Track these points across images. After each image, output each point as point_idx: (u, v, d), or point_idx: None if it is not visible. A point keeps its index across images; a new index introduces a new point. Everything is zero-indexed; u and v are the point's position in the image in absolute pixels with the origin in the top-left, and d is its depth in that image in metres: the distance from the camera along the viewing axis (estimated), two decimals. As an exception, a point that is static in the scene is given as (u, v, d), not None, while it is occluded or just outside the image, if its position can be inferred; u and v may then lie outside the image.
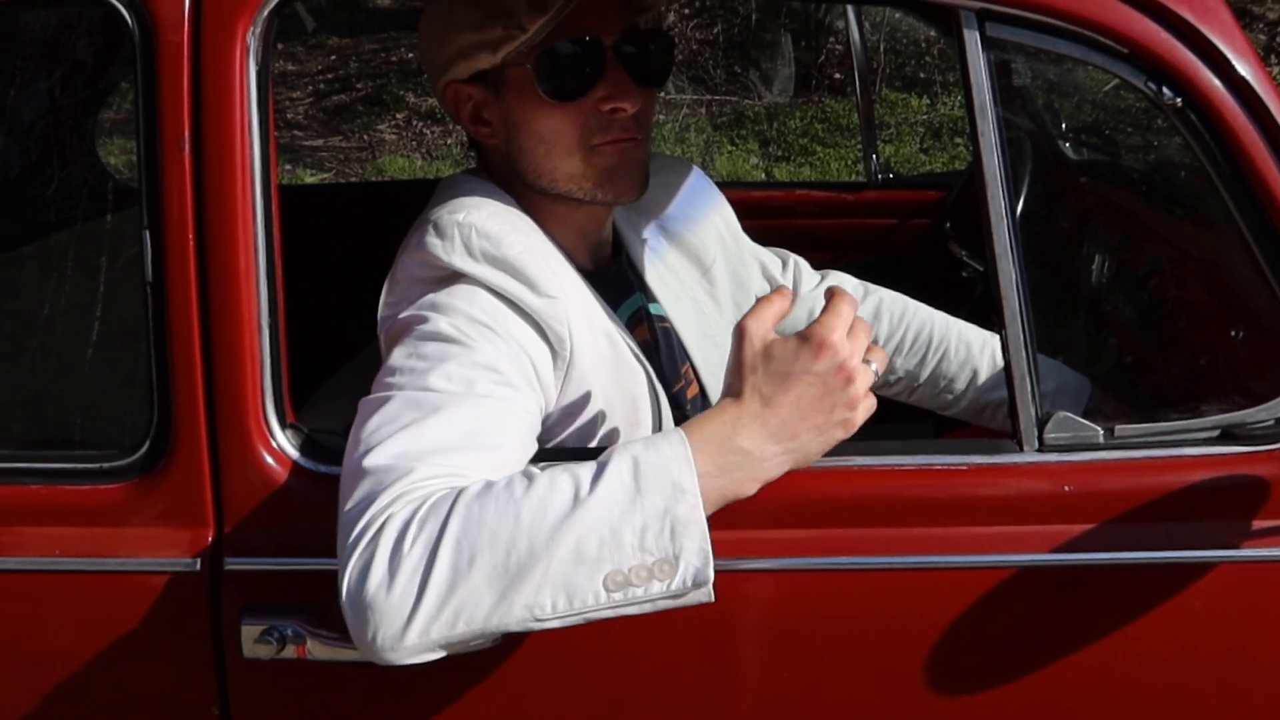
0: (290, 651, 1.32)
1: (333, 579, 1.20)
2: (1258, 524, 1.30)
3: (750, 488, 1.24)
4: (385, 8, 8.77)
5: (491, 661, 1.33)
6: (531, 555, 1.14)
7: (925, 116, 6.75)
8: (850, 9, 2.85)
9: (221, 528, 1.36)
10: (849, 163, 6.30)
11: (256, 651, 1.33)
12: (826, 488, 1.32)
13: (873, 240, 2.74)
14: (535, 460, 1.31)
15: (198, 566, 1.35)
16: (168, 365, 1.35)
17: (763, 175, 6.30)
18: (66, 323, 1.70)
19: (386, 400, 1.26)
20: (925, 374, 1.89)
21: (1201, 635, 1.33)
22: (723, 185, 1.92)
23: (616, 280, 1.58)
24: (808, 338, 1.23)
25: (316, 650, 1.32)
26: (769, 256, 1.92)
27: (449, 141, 7.05)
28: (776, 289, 1.30)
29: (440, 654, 1.17)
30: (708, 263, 1.75)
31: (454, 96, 1.49)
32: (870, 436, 1.33)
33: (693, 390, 1.64)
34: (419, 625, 1.13)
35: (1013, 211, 1.32)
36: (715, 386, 1.66)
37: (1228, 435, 1.33)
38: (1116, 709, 1.35)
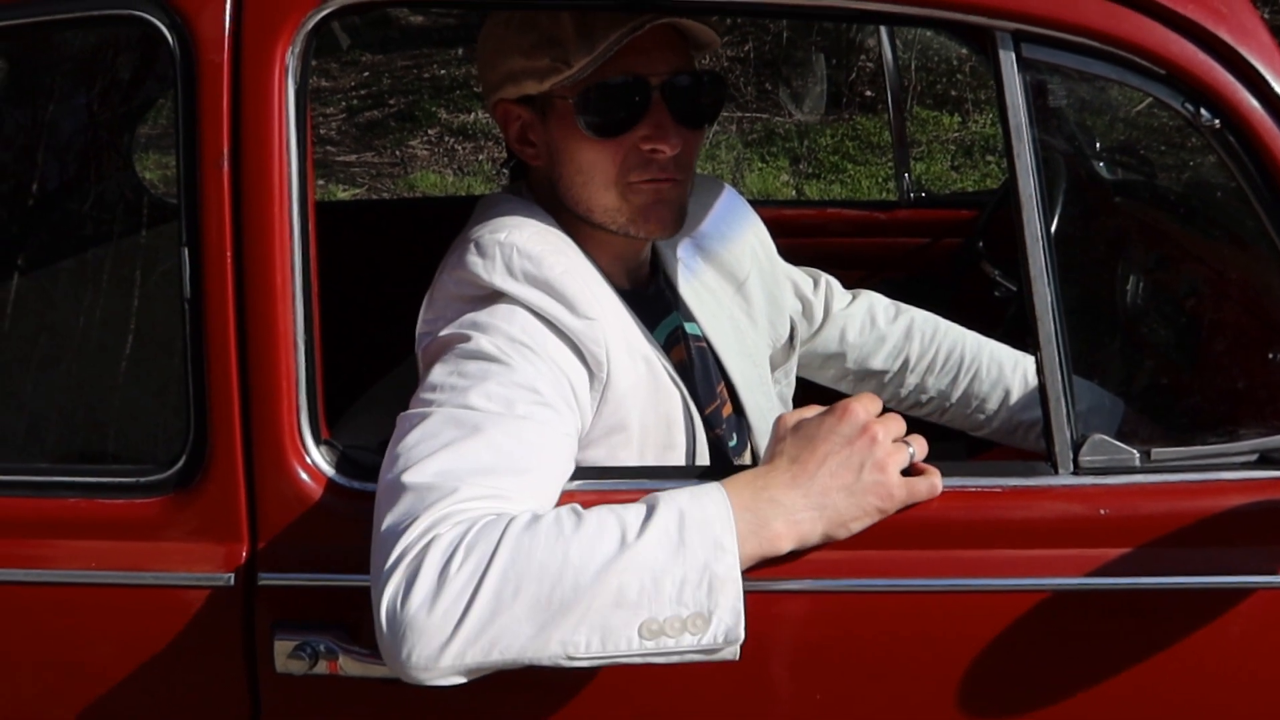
0: (322, 667, 1.33)
1: (366, 595, 1.21)
2: (1297, 550, 1.29)
3: (784, 544, 1.25)
4: (418, 25, 8.83)
5: (521, 679, 1.33)
6: (575, 593, 1.15)
7: (957, 134, 6.73)
8: (883, 28, 2.85)
9: (255, 543, 1.37)
10: (879, 180, 6.29)
11: (289, 667, 1.34)
12: (859, 509, 1.31)
13: (905, 259, 2.73)
14: (571, 479, 1.31)
15: (231, 581, 1.36)
16: (204, 381, 1.36)
17: (793, 193, 6.30)
18: (102, 337, 1.72)
19: (426, 416, 1.26)
20: (957, 394, 1.88)
21: (1238, 662, 1.31)
22: (754, 203, 1.92)
23: (654, 300, 1.59)
24: (833, 407, 1.30)
25: (349, 666, 1.33)
26: (801, 276, 1.93)
27: (480, 158, 7.08)
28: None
29: (468, 679, 1.17)
30: (741, 278, 1.75)
31: (503, 115, 1.51)
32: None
33: (727, 410, 1.64)
34: (455, 649, 1.13)
35: (1048, 232, 1.31)
36: (752, 405, 1.66)
37: (1266, 459, 1.32)
38: (1152, 735, 1.33)
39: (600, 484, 1.35)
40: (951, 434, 1.95)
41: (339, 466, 1.37)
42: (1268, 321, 1.59)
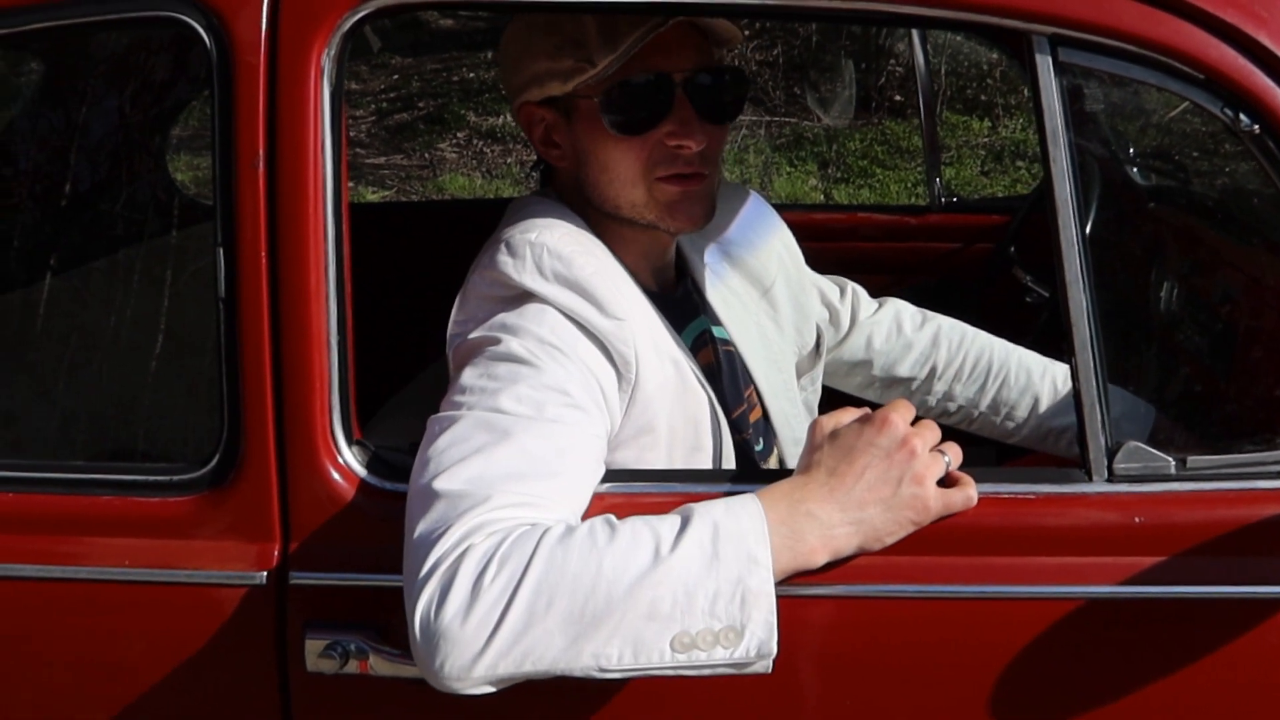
0: (353, 667, 1.33)
1: (396, 595, 1.21)
2: (1334, 560, 1.27)
3: (819, 558, 1.25)
4: (448, 28, 8.86)
5: (551, 683, 1.33)
6: (608, 606, 1.15)
7: (987, 139, 6.70)
8: (914, 32, 2.84)
9: (287, 542, 1.38)
10: (908, 185, 6.27)
11: (319, 666, 1.34)
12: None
13: (935, 264, 2.72)
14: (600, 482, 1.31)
15: (263, 580, 1.37)
16: (238, 380, 1.37)
17: (821, 197, 6.28)
18: (135, 336, 1.73)
19: (457, 420, 1.27)
20: (985, 401, 1.87)
21: (1275, 673, 1.30)
22: (782, 207, 1.92)
23: (682, 303, 1.59)
24: (870, 416, 1.28)
25: (379, 666, 1.33)
26: (827, 283, 1.92)
27: (508, 160, 7.10)
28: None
29: (498, 688, 1.18)
30: (767, 283, 1.75)
31: (527, 117, 1.51)
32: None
33: (755, 414, 1.63)
34: (488, 660, 1.14)
35: (1083, 237, 1.30)
36: (777, 411, 1.66)
37: (1303, 468, 1.30)
38: (1185, 746, 1.32)
39: (630, 486, 1.35)
40: (983, 440, 1.94)
41: (371, 467, 1.38)
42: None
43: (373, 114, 7.90)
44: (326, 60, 1.35)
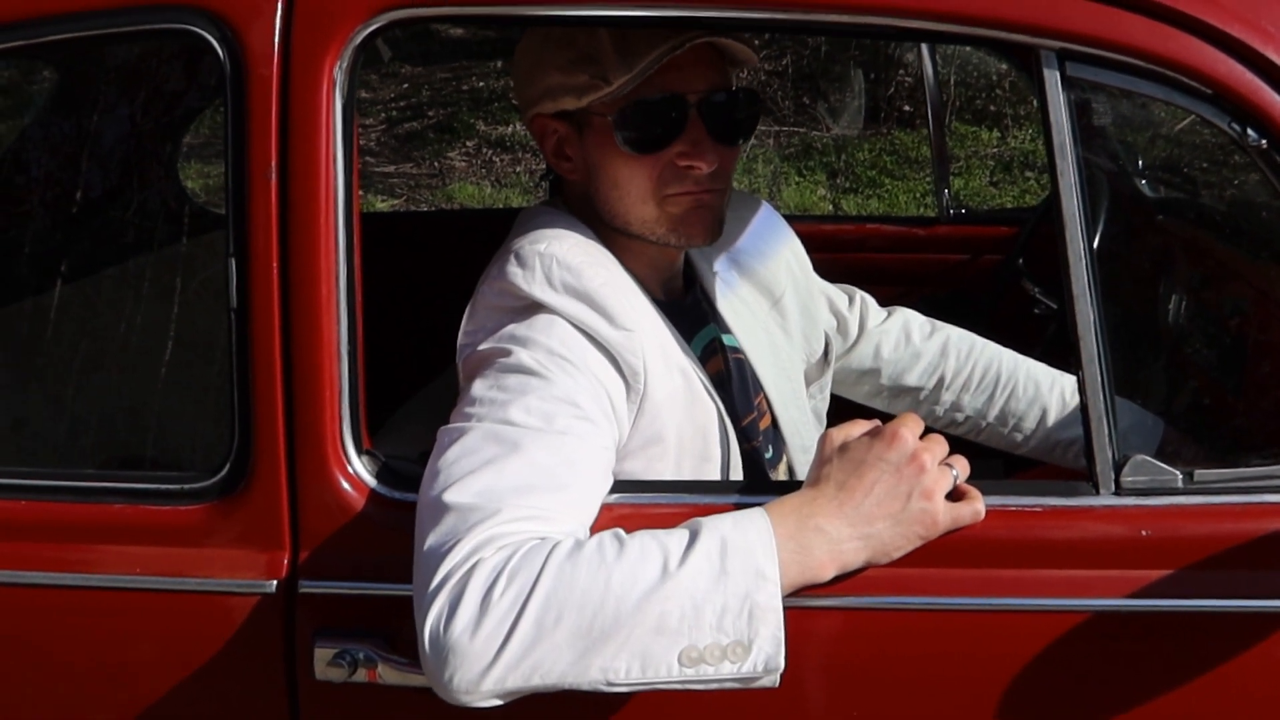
0: (361, 675, 1.34)
1: (405, 604, 1.22)
2: (1342, 574, 1.27)
3: (826, 572, 1.25)
4: (458, 38, 8.89)
5: (558, 695, 1.33)
6: (616, 621, 1.15)
7: (996, 150, 6.70)
8: (924, 44, 2.84)
9: (297, 551, 1.38)
10: (917, 195, 6.26)
11: (328, 674, 1.35)
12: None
13: (944, 276, 2.72)
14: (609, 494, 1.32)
15: (273, 588, 1.37)
16: (249, 389, 1.37)
17: (830, 207, 6.28)
18: (146, 344, 1.74)
19: (466, 431, 1.27)
20: (993, 412, 1.87)
21: (1282, 687, 1.30)
22: (791, 218, 1.92)
23: (690, 311, 1.59)
24: (880, 429, 1.28)
25: (387, 675, 1.34)
26: (836, 291, 1.93)
27: (518, 169, 7.11)
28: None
29: (506, 701, 1.18)
30: (777, 294, 1.75)
31: (540, 129, 1.52)
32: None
33: (765, 422, 1.64)
34: (497, 674, 1.14)
35: (1091, 250, 1.31)
36: (787, 418, 1.66)
37: (1311, 482, 1.30)
38: (1192, 760, 1.32)
39: (639, 498, 1.35)
40: (990, 451, 1.94)
41: (380, 476, 1.38)
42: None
43: (383, 122, 7.93)
44: (338, 72, 1.36)
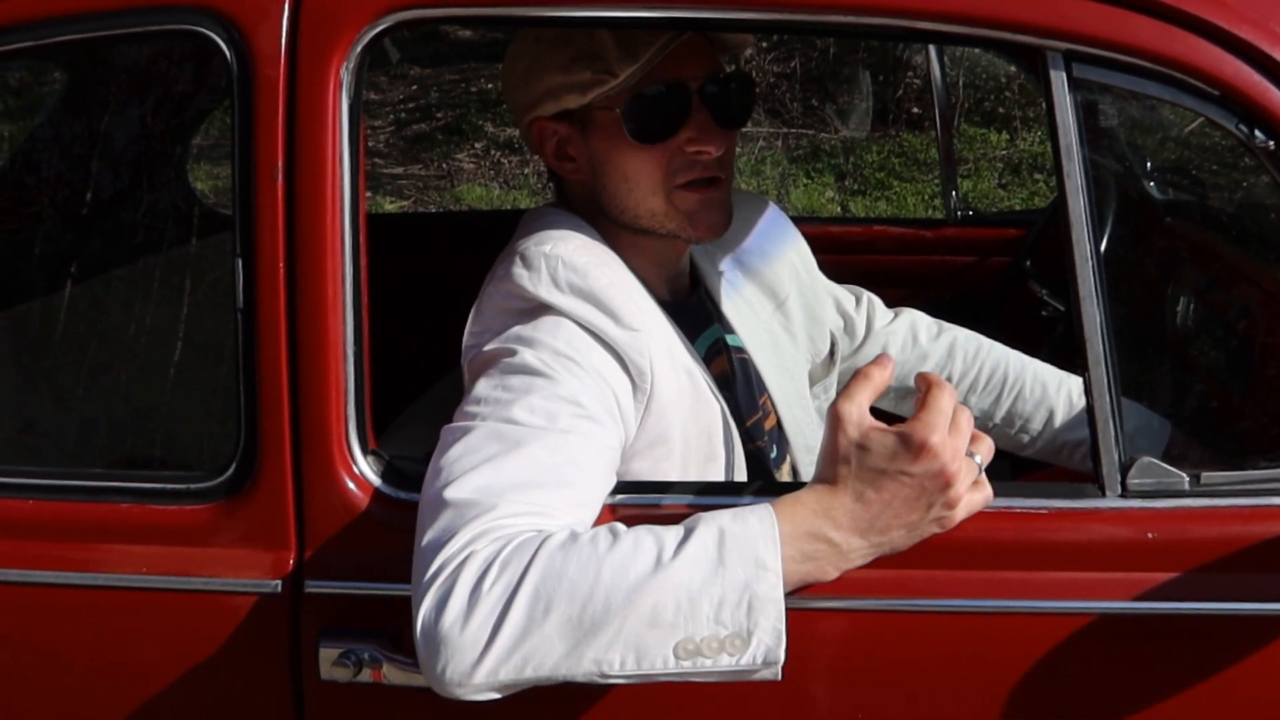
0: (366, 675, 1.34)
1: (409, 604, 1.22)
2: (1349, 577, 1.27)
3: (831, 573, 1.24)
4: (466, 40, 8.90)
5: (561, 691, 1.34)
6: (607, 612, 1.14)
7: (1004, 152, 6.69)
8: (931, 45, 2.84)
9: (303, 551, 1.38)
10: (925, 197, 6.26)
11: (333, 674, 1.35)
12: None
13: (951, 278, 2.71)
14: (612, 493, 1.32)
15: (279, 588, 1.37)
16: (255, 390, 1.38)
17: (838, 209, 6.28)
18: (153, 344, 1.75)
19: (469, 430, 1.27)
20: (1000, 414, 1.87)
21: (1289, 690, 1.29)
22: (799, 219, 1.92)
23: (695, 311, 1.59)
24: (908, 438, 1.19)
25: (392, 675, 1.34)
26: (843, 292, 1.92)
27: (526, 171, 7.12)
28: (876, 360, 1.26)
29: (504, 694, 1.18)
30: (782, 296, 1.75)
31: (538, 133, 1.52)
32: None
33: (770, 422, 1.64)
34: (488, 665, 1.14)
35: (1098, 252, 1.30)
36: (791, 418, 1.66)
37: (1319, 485, 1.30)
38: (1198, 763, 1.31)
39: (644, 498, 1.35)
40: (997, 452, 1.93)
41: (386, 476, 1.38)
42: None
43: (391, 124, 7.94)
44: (345, 73, 1.36)
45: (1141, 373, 1.63)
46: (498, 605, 1.14)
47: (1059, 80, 1.30)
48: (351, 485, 1.37)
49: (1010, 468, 2.11)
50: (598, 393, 1.33)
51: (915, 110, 7.00)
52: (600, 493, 1.30)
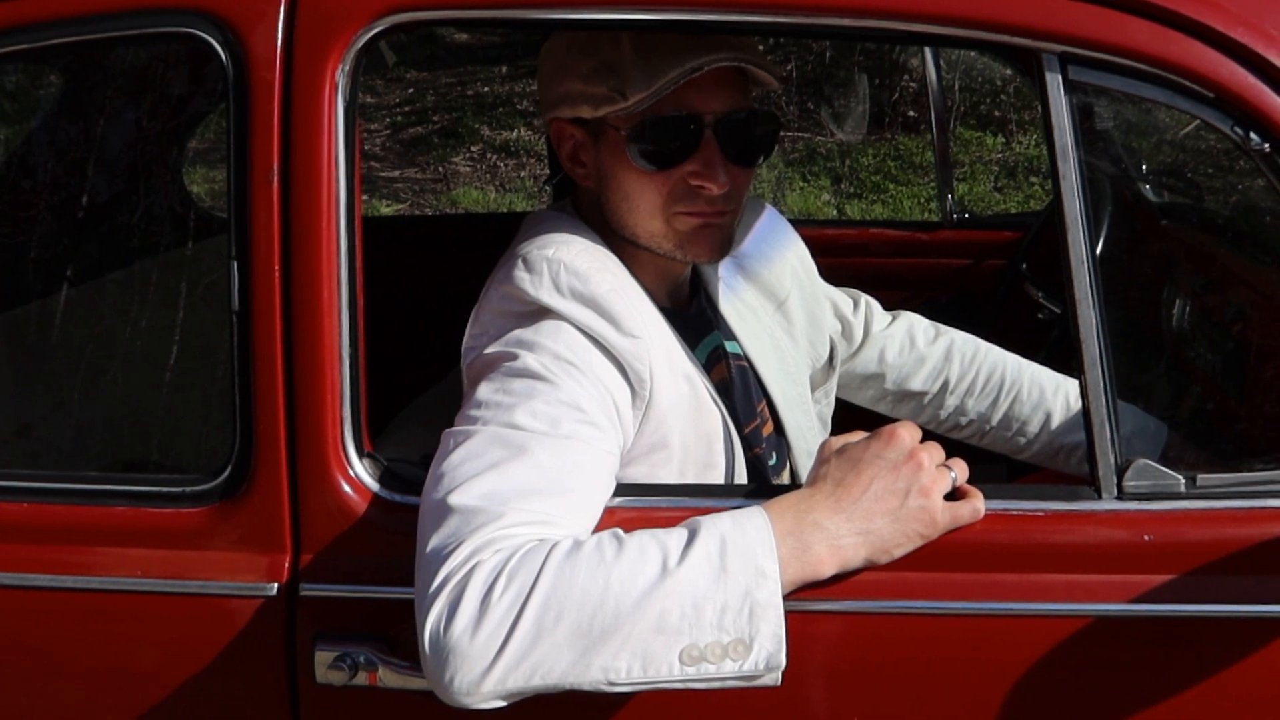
0: (362, 678, 1.34)
1: (406, 608, 1.22)
2: (1345, 579, 1.27)
3: (826, 569, 1.25)
4: (462, 43, 8.91)
5: (559, 696, 1.33)
6: (616, 620, 1.15)
7: (1000, 155, 6.70)
8: (927, 49, 2.84)
9: (298, 554, 1.38)
10: (922, 200, 6.26)
11: (329, 677, 1.35)
12: (899, 530, 1.30)
13: (947, 280, 2.72)
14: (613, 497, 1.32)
15: (274, 591, 1.37)
16: (250, 393, 1.38)
17: (834, 212, 6.28)
18: (149, 347, 1.74)
19: (472, 435, 1.27)
20: (997, 416, 1.87)
21: (1285, 692, 1.29)
22: (795, 222, 1.92)
23: (695, 319, 1.59)
24: (878, 431, 1.29)
25: (388, 678, 1.34)
26: (841, 296, 1.92)
27: (522, 175, 7.12)
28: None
29: (509, 703, 1.18)
30: (782, 298, 1.75)
31: (558, 131, 1.52)
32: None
33: (768, 428, 1.64)
34: (497, 674, 1.14)
35: (1093, 255, 1.30)
36: (791, 424, 1.66)
37: (1314, 487, 1.30)
38: (1194, 765, 1.31)
39: (642, 501, 1.35)
40: (993, 456, 1.94)
41: (382, 480, 1.38)
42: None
43: (387, 127, 7.94)
44: (341, 76, 1.36)
45: (1137, 375, 1.63)
46: (507, 615, 1.15)
47: (1054, 83, 1.30)
48: (347, 488, 1.37)
49: (1007, 471, 2.11)
50: (598, 398, 1.33)
51: (911, 113, 7.01)
52: (601, 498, 1.30)
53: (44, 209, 2.10)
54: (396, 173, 7.27)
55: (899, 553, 1.27)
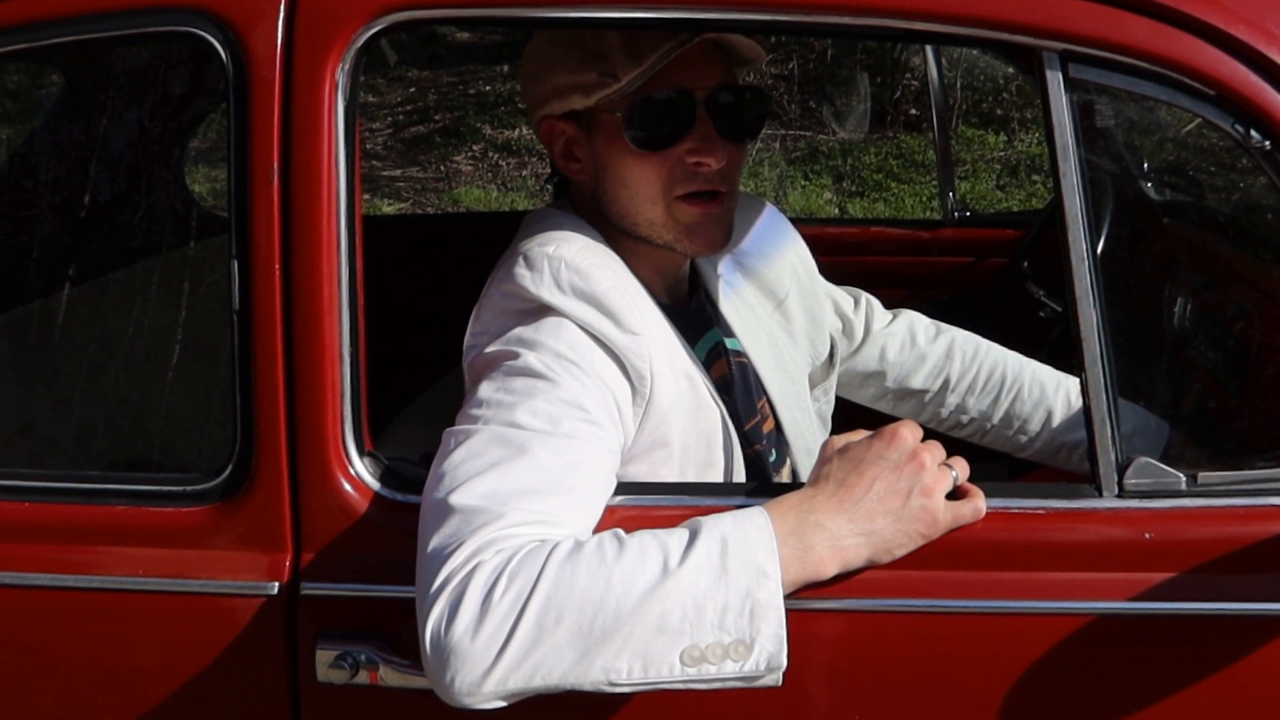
0: (363, 677, 1.34)
1: (407, 606, 1.22)
2: (1346, 577, 1.27)
3: (828, 569, 1.25)
4: (464, 42, 8.90)
5: (560, 695, 1.33)
6: (617, 621, 1.15)
7: (1002, 153, 6.69)
8: (928, 47, 2.84)
9: (299, 553, 1.38)
10: (923, 199, 6.26)
11: (330, 676, 1.35)
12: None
13: (948, 279, 2.72)
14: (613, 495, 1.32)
15: (275, 590, 1.37)
16: (251, 392, 1.38)
17: (836, 211, 6.28)
18: (150, 347, 1.74)
19: (473, 433, 1.27)
20: (998, 415, 1.87)
21: (1286, 690, 1.29)
22: (796, 221, 1.92)
23: (695, 316, 1.59)
24: (880, 430, 1.29)
25: (389, 677, 1.34)
26: (841, 294, 1.92)
27: (524, 173, 7.12)
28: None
29: (509, 703, 1.18)
30: (781, 296, 1.75)
31: (548, 131, 1.52)
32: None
33: (768, 425, 1.64)
34: (498, 675, 1.14)
35: (1094, 253, 1.30)
36: (791, 421, 1.66)
37: (1315, 485, 1.30)
38: (1195, 763, 1.31)
39: (642, 499, 1.35)
40: (994, 454, 1.94)
41: (382, 478, 1.38)
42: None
43: (389, 126, 7.94)
44: (341, 74, 1.36)
45: (1138, 373, 1.63)
46: (509, 615, 1.15)
47: (1055, 81, 1.30)
48: (348, 487, 1.37)
49: (1007, 469, 2.11)
50: (599, 396, 1.33)
51: (913, 112, 7.01)
52: (602, 497, 1.30)
53: (45, 208, 2.10)
54: (398, 171, 7.27)
55: (900, 553, 1.27)
